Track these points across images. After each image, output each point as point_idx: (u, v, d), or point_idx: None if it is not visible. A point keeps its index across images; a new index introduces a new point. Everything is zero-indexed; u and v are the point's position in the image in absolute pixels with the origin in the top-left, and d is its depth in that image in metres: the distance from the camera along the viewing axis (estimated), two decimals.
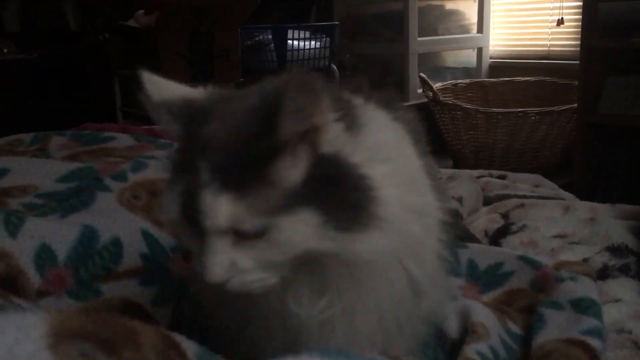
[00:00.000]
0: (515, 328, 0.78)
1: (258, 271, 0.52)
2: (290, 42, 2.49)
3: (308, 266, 0.54)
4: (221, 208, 0.49)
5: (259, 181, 0.49)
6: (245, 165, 0.49)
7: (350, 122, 0.54)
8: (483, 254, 0.91)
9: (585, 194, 1.72)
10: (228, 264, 0.51)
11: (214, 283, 0.51)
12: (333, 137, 0.52)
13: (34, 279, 0.69)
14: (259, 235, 0.50)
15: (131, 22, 2.50)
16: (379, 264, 0.55)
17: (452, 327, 0.75)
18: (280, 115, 0.48)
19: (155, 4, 2.31)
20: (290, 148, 0.50)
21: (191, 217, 0.50)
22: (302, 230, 0.50)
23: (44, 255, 0.71)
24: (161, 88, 0.56)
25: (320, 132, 0.51)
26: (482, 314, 0.75)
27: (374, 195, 0.53)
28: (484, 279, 0.89)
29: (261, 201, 0.49)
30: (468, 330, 0.72)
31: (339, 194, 0.51)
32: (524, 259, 0.88)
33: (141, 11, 2.47)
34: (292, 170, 0.50)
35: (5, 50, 3.21)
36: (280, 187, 0.50)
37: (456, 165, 2.48)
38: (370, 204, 0.52)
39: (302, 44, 2.54)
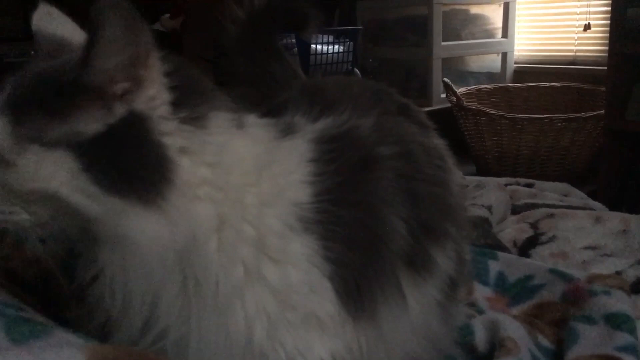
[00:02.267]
0: (546, 342, 0.76)
1: (4, 201, 0.49)
2: (313, 46, 2.49)
3: (79, 233, 0.50)
4: None
5: (42, 112, 0.47)
6: (39, 95, 0.48)
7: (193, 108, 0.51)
8: (513, 266, 0.90)
9: (611, 202, 1.69)
10: None
11: None
12: (154, 98, 0.49)
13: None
14: (10, 163, 0.47)
15: (156, 26, 2.53)
16: (154, 257, 0.48)
17: (481, 341, 0.74)
18: (95, 45, 0.46)
19: (181, 8, 2.33)
20: (97, 92, 0.47)
21: None
22: (50, 169, 0.47)
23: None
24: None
25: (139, 85, 0.48)
26: (512, 328, 0.73)
27: (168, 176, 0.48)
28: (513, 291, 0.87)
29: (30, 129, 0.47)
30: (497, 345, 0.71)
31: (128, 155, 0.47)
32: (555, 272, 0.86)
33: (166, 15, 2.49)
34: (88, 116, 0.47)
35: (32, 52, 3.27)
36: (65, 123, 0.47)
37: (479, 172, 2.45)
38: (159, 182, 0.47)
39: (325, 47, 2.54)
